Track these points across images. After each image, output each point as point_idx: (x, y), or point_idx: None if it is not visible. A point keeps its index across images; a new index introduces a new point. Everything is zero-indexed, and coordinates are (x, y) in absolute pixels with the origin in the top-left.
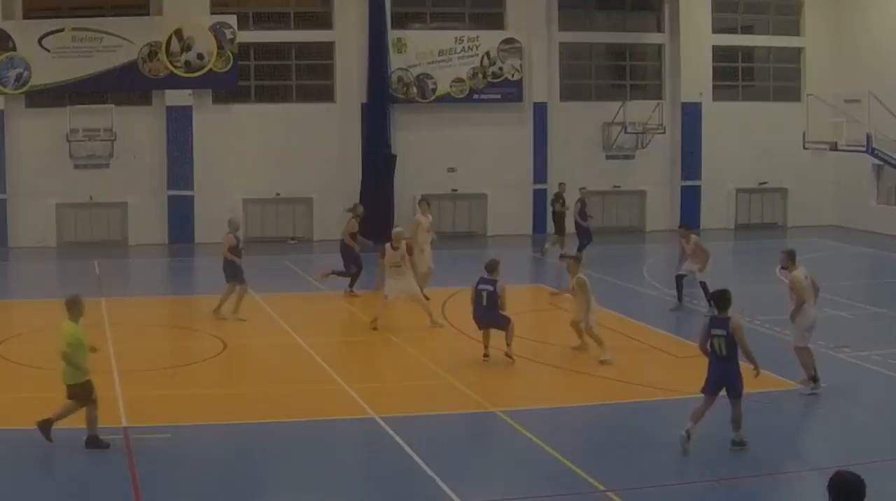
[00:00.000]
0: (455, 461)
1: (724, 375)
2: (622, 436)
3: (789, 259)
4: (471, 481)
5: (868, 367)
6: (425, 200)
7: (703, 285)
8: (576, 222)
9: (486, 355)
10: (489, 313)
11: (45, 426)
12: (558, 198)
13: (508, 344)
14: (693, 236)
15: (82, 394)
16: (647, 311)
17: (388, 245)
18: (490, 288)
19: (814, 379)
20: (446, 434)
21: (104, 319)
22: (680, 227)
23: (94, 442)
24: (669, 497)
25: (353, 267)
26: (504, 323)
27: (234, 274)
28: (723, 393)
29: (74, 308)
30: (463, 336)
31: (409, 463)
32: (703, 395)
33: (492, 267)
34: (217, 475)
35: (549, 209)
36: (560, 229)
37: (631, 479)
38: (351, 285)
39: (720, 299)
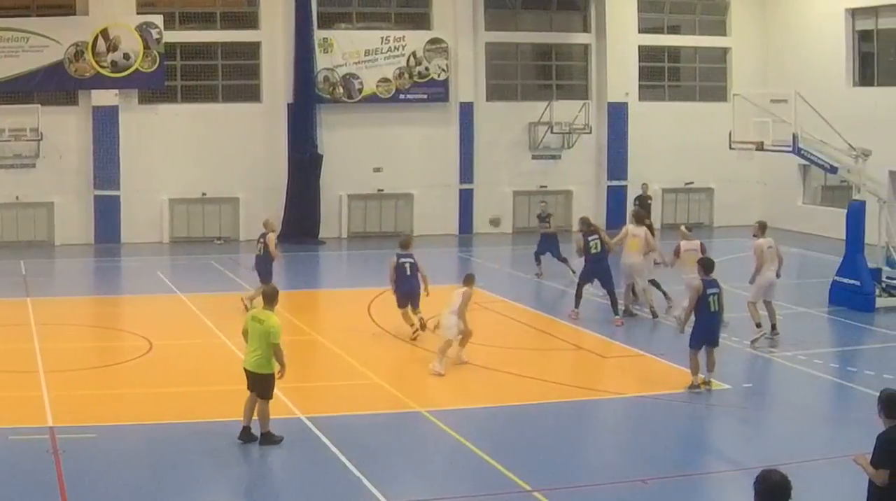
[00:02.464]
0: (381, 460)
1: (715, 327)
2: (549, 436)
3: (759, 228)
4: (397, 480)
5: (793, 367)
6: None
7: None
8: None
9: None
10: (412, 283)
11: (265, 437)
12: (644, 199)
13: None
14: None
15: (271, 386)
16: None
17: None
18: (411, 260)
19: (758, 325)
20: (372, 434)
21: (30, 319)
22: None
23: (268, 439)
24: (596, 497)
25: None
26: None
27: (268, 273)
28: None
29: (275, 299)
30: (389, 336)
31: (336, 463)
32: (693, 349)
33: (406, 243)
34: (143, 474)
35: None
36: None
37: (557, 479)
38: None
39: (708, 263)
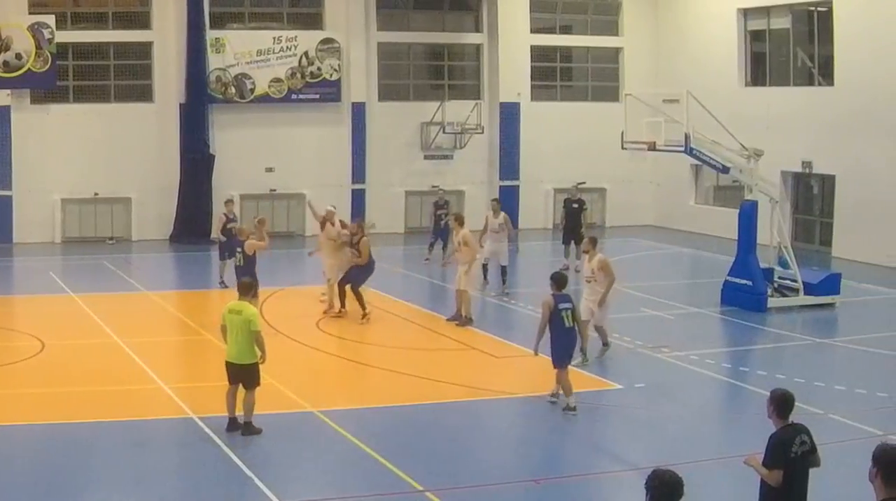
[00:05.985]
0: (274, 461)
1: (573, 344)
2: (441, 436)
3: (591, 243)
4: (289, 481)
5: (685, 367)
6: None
7: (504, 269)
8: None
9: None
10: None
11: (247, 427)
12: (576, 200)
13: None
14: (503, 213)
15: (256, 375)
16: None
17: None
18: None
19: (606, 344)
20: (265, 435)
21: None
22: (494, 201)
23: (250, 429)
24: (488, 497)
25: None
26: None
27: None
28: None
29: (252, 290)
30: (281, 336)
31: (228, 463)
32: (562, 369)
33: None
34: (36, 474)
35: (563, 212)
36: (578, 236)
37: (449, 479)
38: None
39: (560, 279)
